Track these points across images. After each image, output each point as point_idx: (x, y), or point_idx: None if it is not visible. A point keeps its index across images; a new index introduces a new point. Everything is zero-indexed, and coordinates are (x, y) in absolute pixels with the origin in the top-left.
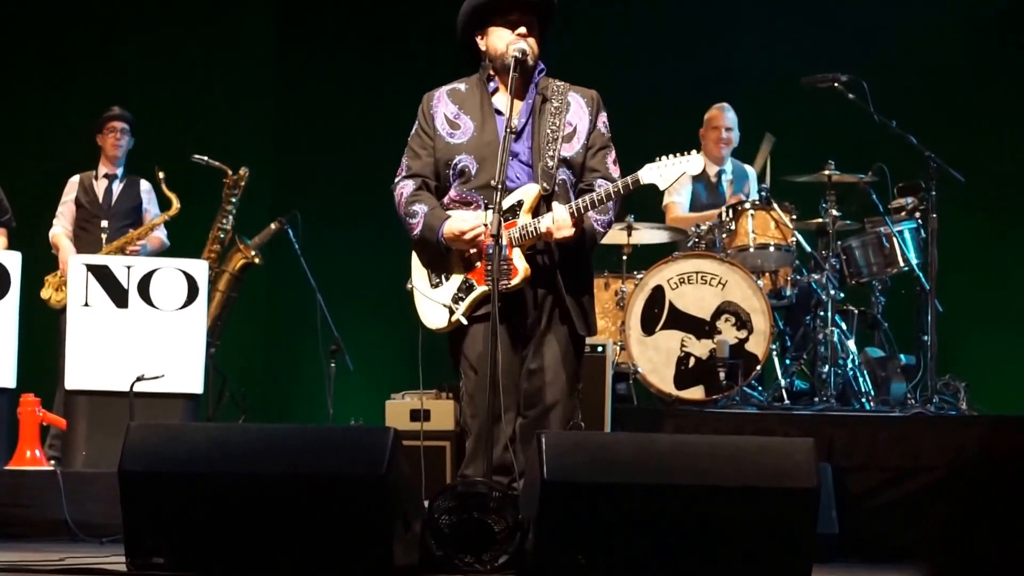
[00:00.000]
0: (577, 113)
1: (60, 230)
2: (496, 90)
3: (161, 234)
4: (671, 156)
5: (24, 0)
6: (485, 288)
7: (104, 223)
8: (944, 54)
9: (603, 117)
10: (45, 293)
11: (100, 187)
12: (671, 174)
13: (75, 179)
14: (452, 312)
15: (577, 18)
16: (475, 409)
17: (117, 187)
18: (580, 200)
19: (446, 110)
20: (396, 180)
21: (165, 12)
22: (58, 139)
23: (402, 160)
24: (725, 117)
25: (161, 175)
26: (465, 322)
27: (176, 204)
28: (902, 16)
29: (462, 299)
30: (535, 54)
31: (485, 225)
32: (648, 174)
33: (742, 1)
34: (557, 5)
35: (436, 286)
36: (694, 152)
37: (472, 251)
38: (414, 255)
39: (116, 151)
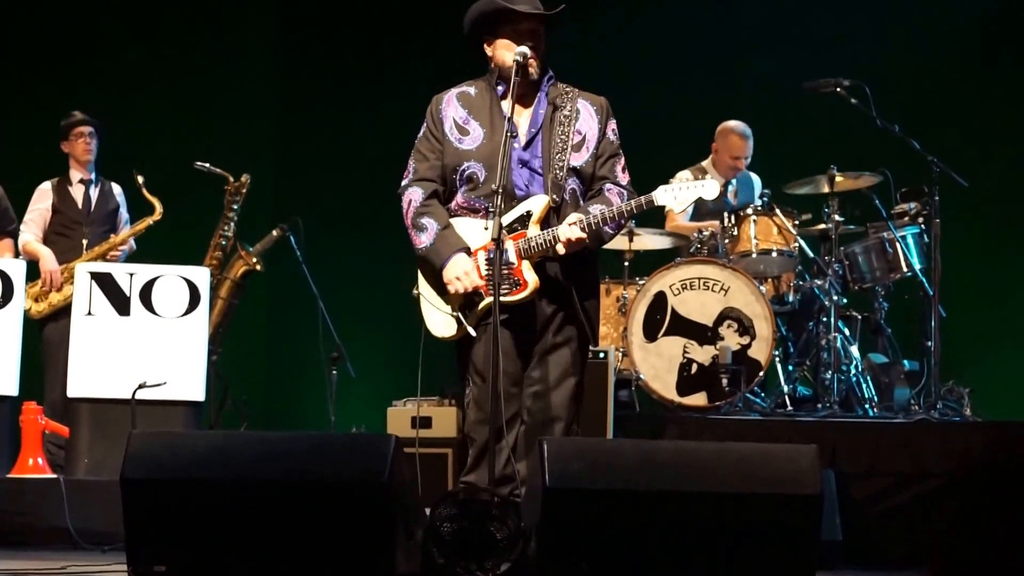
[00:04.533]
0: (586, 121)
1: (32, 238)
2: (505, 95)
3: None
4: (687, 179)
5: (28, 7)
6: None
7: (85, 229)
8: (946, 58)
9: (612, 124)
10: (26, 304)
11: (77, 193)
12: (686, 197)
13: (46, 186)
14: (461, 322)
15: (582, 26)
16: (480, 416)
17: (94, 192)
18: (592, 217)
19: (455, 114)
20: (404, 183)
21: (168, 19)
22: (61, 147)
23: (408, 163)
24: (747, 147)
25: (140, 179)
26: (474, 332)
27: (159, 208)
28: (904, 21)
29: (471, 308)
30: (539, 62)
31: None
32: (663, 196)
33: (746, 7)
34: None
35: (444, 295)
36: (709, 177)
37: (453, 291)
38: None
39: (88, 155)
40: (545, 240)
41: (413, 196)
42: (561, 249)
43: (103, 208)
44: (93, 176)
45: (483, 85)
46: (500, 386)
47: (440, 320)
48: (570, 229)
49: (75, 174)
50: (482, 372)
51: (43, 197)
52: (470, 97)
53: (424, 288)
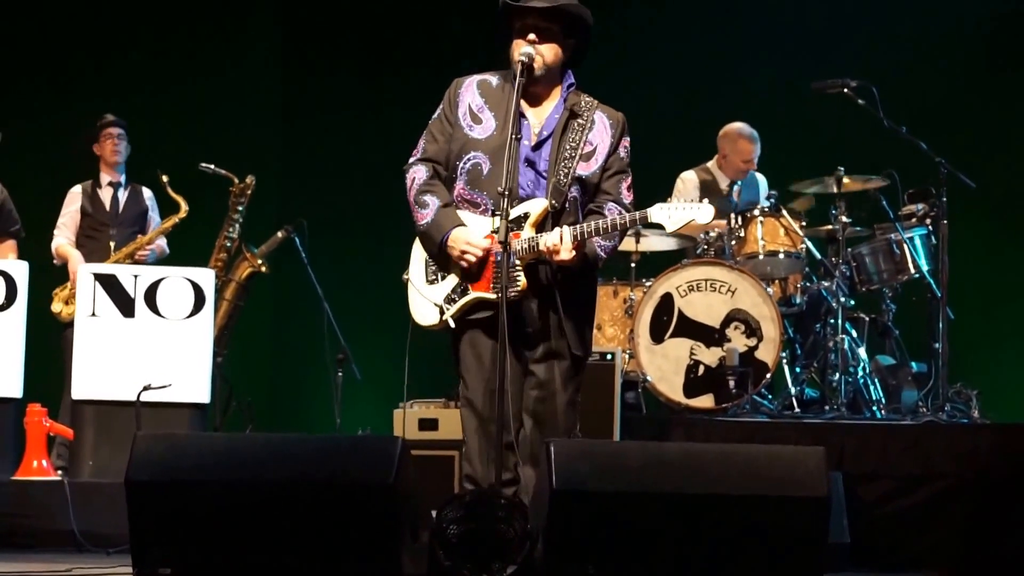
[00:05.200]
0: (600, 133)
1: (64, 241)
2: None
3: (162, 242)
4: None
5: (33, 12)
6: (479, 294)
7: (113, 231)
8: (953, 59)
9: (626, 142)
10: (56, 307)
11: (106, 195)
12: (680, 218)
13: (77, 189)
14: (443, 312)
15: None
16: (469, 414)
17: (123, 195)
18: (586, 225)
19: (472, 100)
20: (411, 161)
21: (173, 22)
22: (66, 150)
23: (419, 141)
24: (756, 149)
25: (165, 178)
26: (452, 324)
27: (184, 206)
28: (911, 22)
29: (454, 301)
30: (546, 62)
31: (492, 238)
32: (658, 214)
33: (752, 7)
34: (589, 20)
35: (432, 283)
36: (706, 202)
37: (467, 265)
38: (416, 246)
39: (116, 156)
40: (537, 243)
41: (417, 174)
42: (542, 247)
43: (131, 210)
44: (123, 179)
45: (505, 78)
46: (508, 384)
47: (424, 308)
48: (556, 234)
49: (104, 176)
50: (470, 370)
51: (73, 200)
52: (490, 87)
53: (414, 274)
